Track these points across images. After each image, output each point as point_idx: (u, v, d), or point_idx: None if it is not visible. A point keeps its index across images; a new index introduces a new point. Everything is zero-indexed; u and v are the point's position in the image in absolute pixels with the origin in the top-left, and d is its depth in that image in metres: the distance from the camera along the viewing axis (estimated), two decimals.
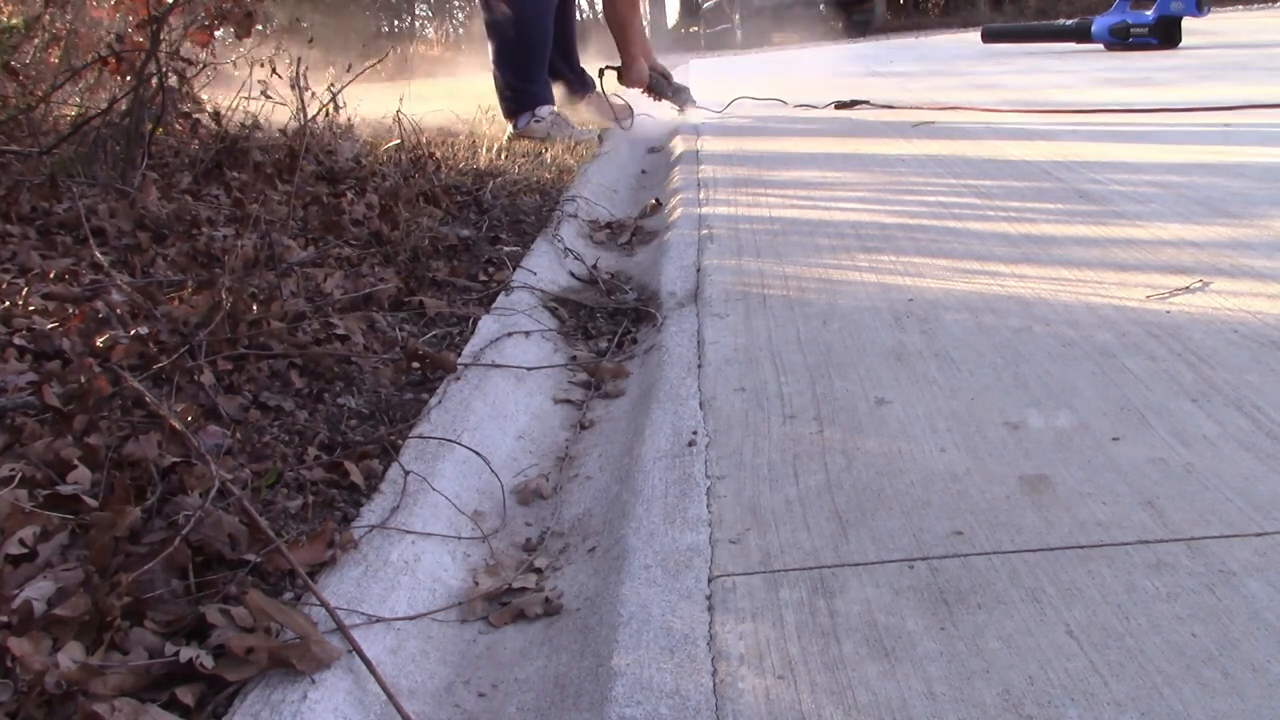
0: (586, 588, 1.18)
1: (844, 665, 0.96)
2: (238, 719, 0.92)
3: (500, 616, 1.16)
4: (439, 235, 2.47)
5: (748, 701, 0.93)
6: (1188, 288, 1.85)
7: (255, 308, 1.80)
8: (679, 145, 4.11)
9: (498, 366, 1.75)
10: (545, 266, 2.33)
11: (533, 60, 4.30)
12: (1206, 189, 2.56)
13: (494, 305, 2.06)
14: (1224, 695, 0.88)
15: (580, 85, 4.83)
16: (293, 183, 2.63)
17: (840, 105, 4.84)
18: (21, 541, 1.11)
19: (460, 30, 18.10)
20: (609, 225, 2.92)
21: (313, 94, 2.89)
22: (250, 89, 3.14)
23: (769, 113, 4.98)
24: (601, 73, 4.76)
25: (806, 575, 1.11)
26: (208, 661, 0.97)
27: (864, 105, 4.77)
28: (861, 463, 1.34)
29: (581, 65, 4.89)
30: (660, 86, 4.76)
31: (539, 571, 1.25)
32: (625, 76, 4.65)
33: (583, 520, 1.35)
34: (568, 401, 1.76)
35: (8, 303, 1.72)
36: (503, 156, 3.69)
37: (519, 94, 4.30)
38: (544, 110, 4.28)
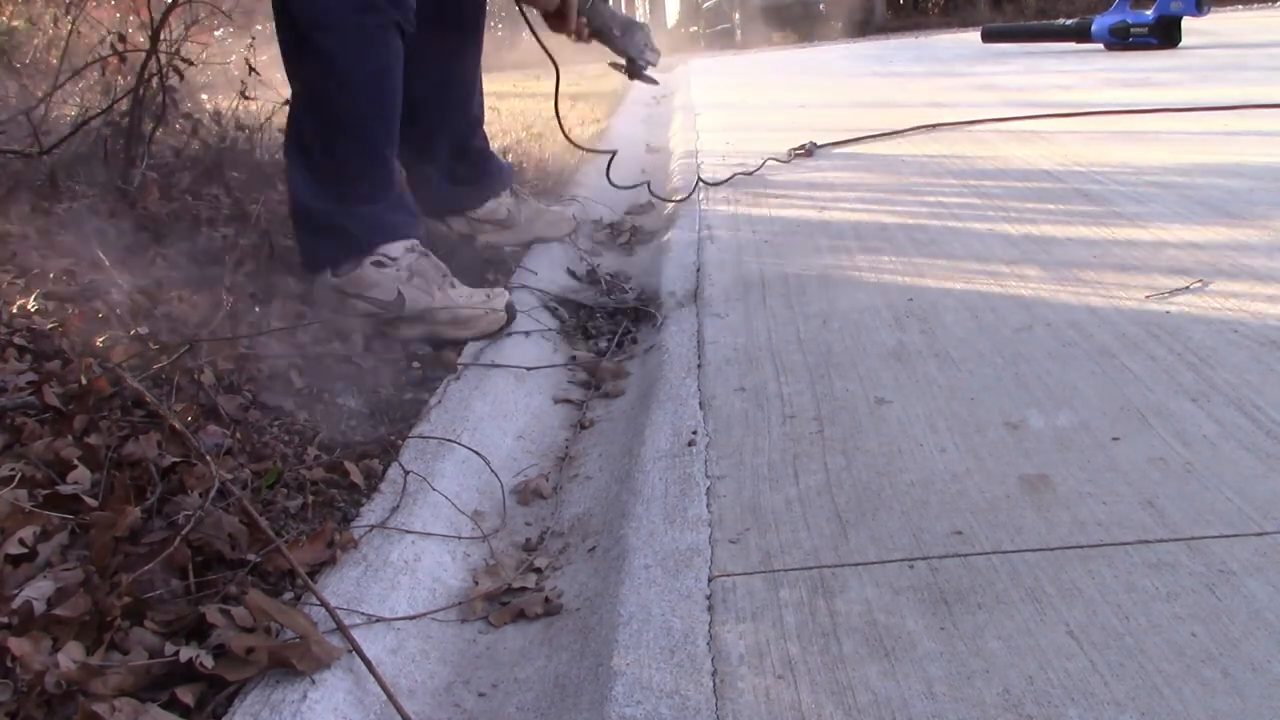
0: (586, 588, 1.18)
1: (844, 665, 0.96)
2: (238, 719, 0.92)
3: (500, 616, 1.16)
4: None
5: (748, 701, 0.93)
6: (1188, 288, 1.85)
7: (256, 308, 1.80)
8: (678, 145, 4.11)
9: (498, 366, 1.75)
10: (545, 266, 2.33)
11: (360, 155, 1.88)
12: (1207, 189, 2.56)
13: None
14: (1224, 695, 0.88)
15: (478, 186, 2.46)
16: None
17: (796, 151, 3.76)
18: (21, 541, 1.11)
19: None
20: (609, 225, 2.92)
21: None
22: (251, 89, 3.14)
23: (768, 113, 4.99)
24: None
25: (806, 575, 1.11)
26: (208, 661, 0.97)
27: (819, 147, 3.76)
28: (861, 463, 1.34)
29: (486, 144, 2.50)
30: (606, 31, 2.38)
31: (539, 571, 1.25)
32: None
33: (583, 520, 1.35)
34: (568, 401, 1.76)
35: (7, 302, 1.72)
36: (504, 156, 3.69)
37: (331, 220, 1.88)
38: (394, 247, 1.88)
